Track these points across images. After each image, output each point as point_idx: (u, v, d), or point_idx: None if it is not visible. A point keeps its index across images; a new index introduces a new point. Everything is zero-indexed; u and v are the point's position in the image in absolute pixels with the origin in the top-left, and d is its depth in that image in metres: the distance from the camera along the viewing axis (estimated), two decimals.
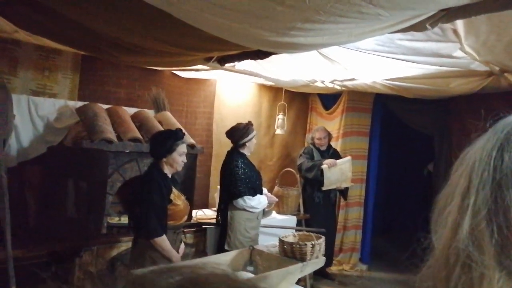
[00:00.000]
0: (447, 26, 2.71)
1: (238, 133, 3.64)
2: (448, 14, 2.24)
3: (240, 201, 3.49)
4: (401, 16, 2.13)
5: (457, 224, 0.52)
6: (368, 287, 4.99)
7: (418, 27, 2.40)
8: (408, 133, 6.56)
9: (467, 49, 3.00)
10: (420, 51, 3.15)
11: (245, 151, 3.68)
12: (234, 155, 3.62)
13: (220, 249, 3.48)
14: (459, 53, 3.14)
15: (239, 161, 3.57)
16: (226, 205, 3.59)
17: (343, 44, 2.68)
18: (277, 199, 4.05)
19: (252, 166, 3.74)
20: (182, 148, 2.83)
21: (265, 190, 3.90)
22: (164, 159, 2.78)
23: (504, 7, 2.06)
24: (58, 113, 3.63)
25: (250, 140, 3.67)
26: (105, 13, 2.31)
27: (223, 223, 3.58)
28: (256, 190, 3.61)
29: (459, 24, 2.66)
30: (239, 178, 3.49)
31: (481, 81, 3.76)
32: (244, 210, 3.52)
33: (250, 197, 3.52)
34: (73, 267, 3.09)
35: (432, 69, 3.57)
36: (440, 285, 0.56)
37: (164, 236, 2.67)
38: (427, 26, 2.37)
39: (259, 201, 3.58)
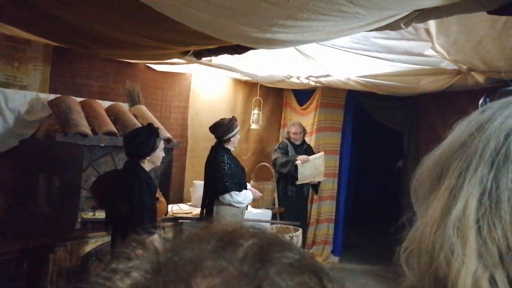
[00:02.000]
0: (420, 25, 2.81)
1: (222, 128, 3.63)
2: (421, 14, 2.33)
3: (227, 197, 3.50)
4: (378, 15, 2.19)
5: (447, 210, 0.54)
6: None
7: (393, 26, 2.48)
8: (379, 129, 6.74)
9: (438, 48, 3.12)
10: (394, 49, 3.26)
11: (230, 146, 3.68)
12: (219, 151, 3.62)
13: None
14: (430, 52, 3.26)
15: (225, 157, 3.57)
16: (211, 201, 3.59)
17: (321, 41, 2.73)
18: (261, 194, 4.09)
19: (236, 161, 3.75)
20: (162, 144, 2.86)
21: (249, 185, 3.93)
22: (148, 158, 2.77)
23: (474, 9, 2.16)
24: (29, 105, 3.52)
25: (234, 135, 3.67)
26: (81, 4, 2.27)
27: (208, 218, 3.57)
28: (241, 185, 3.62)
29: (431, 24, 2.77)
30: (225, 174, 3.49)
31: (450, 79, 3.92)
32: (230, 205, 3.52)
33: (237, 192, 3.53)
34: (47, 263, 3.03)
35: (404, 66, 3.69)
36: (423, 269, 0.57)
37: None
38: (402, 25, 2.45)
39: (245, 196, 3.61)
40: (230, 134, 3.64)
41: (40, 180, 3.26)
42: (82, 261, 3.21)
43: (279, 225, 3.01)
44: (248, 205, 4.37)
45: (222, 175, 3.49)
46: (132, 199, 2.69)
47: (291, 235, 2.65)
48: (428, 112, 5.60)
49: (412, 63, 3.54)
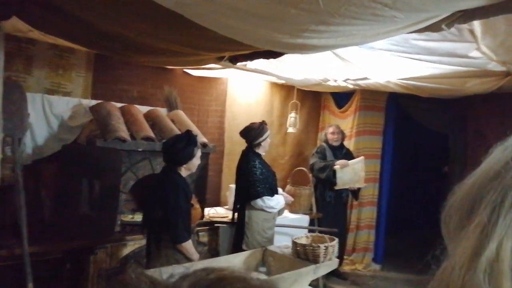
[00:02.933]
0: (464, 26, 2.66)
1: (253, 133, 3.62)
2: (465, 15, 2.20)
3: (259, 202, 3.47)
4: (416, 18, 2.09)
5: (477, 251, 0.48)
6: (380, 287, 4.96)
7: (434, 27, 2.36)
8: (422, 132, 6.48)
9: (484, 49, 2.94)
10: (435, 51, 3.10)
11: (260, 150, 3.66)
12: (250, 156, 3.60)
13: (236, 248, 3.46)
14: (475, 53, 3.08)
15: (256, 161, 3.55)
16: (242, 205, 3.58)
17: (357, 45, 2.65)
18: (293, 199, 4.05)
19: (267, 166, 3.72)
20: (199, 152, 2.91)
21: (280, 190, 3.89)
22: (185, 165, 2.83)
23: None
24: (72, 111, 3.67)
25: (265, 139, 3.65)
26: (119, 16, 2.32)
27: (240, 223, 3.57)
28: (273, 190, 3.59)
29: (476, 24, 2.61)
30: (257, 179, 3.47)
31: (498, 81, 3.69)
32: (262, 210, 3.50)
33: (269, 197, 3.50)
34: (88, 265, 3.13)
35: (447, 68, 3.51)
36: None
37: (190, 240, 2.76)
38: (443, 26, 2.33)
39: (277, 201, 3.57)
40: (261, 139, 3.61)
41: (82, 184, 3.39)
42: (121, 263, 3.30)
43: (314, 234, 2.95)
44: (285, 210, 4.34)
45: (254, 180, 3.47)
46: (168, 205, 2.73)
47: (326, 245, 2.58)
48: (475, 115, 5.32)
49: (456, 65, 3.36)
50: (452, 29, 2.64)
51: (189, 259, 2.75)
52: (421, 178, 7.36)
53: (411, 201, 7.24)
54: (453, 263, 0.52)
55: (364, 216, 5.54)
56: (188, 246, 2.76)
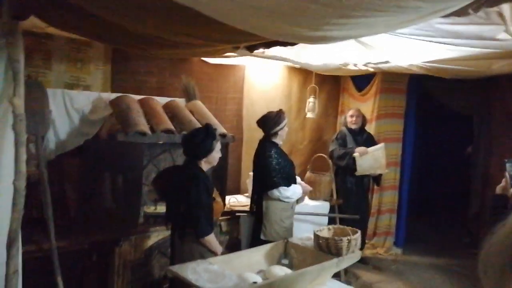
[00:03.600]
0: (492, 9, 2.54)
1: (269, 122, 3.58)
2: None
3: (275, 192, 3.46)
4: (441, 6, 2.00)
5: None
6: (403, 271, 4.94)
7: (460, 12, 2.26)
8: (445, 114, 6.33)
9: None
10: (461, 34, 2.98)
11: (277, 140, 3.62)
12: (266, 145, 3.57)
13: (255, 239, 3.49)
14: (503, 36, 2.95)
15: (272, 151, 3.52)
16: (260, 195, 3.57)
17: (379, 33, 2.56)
18: (311, 188, 4.02)
19: (285, 155, 3.69)
20: (219, 146, 2.91)
21: (298, 179, 3.86)
22: (204, 159, 2.83)
23: None
24: (92, 105, 3.70)
25: (282, 128, 3.61)
26: (135, 13, 2.29)
27: (257, 213, 3.59)
28: (290, 180, 3.57)
29: (505, 6, 2.49)
30: (273, 169, 3.44)
31: None
32: (279, 200, 3.50)
33: (285, 187, 3.48)
34: (113, 257, 3.20)
35: (473, 51, 3.38)
36: None
37: (212, 234, 2.80)
38: (470, 11, 2.23)
39: (294, 192, 3.56)
40: (278, 128, 3.56)
41: (105, 177, 3.44)
42: (145, 255, 3.36)
43: (336, 226, 2.93)
44: (304, 198, 4.33)
45: (270, 170, 3.44)
46: (189, 199, 2.75)
47: (349, 238, 2.56)
48: (502, 95, 5.15)
49: (483, 47, 3.23)
50: (479, 12, 2.54)
51: (213, 252, 2.78)
52: (443, 161, 7.23)
53: (433, 184, 7.14)
54: None
55: (385, 200, 5.49)
56: (211, 239, 2.78)
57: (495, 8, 2.56)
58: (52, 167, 3.35)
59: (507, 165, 2.81)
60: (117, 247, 3.21)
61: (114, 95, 3.78)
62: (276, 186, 3.44)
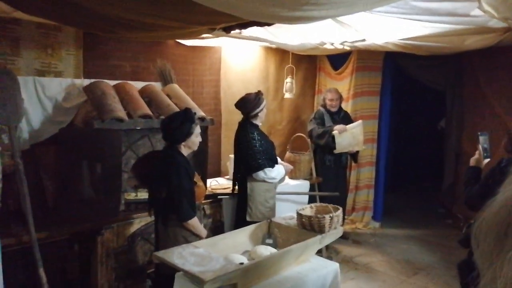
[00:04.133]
0: None
1: (249, 104, 3.57)
2: None
3: (261, 174, 3.48)
4: None
5: None
6: (381, 244, 5.10)
7: None
8: (419, 90, 6.45)
9: (486, 7, 2.86)
10: (436, 11, 3.02)
11: (257, 121, 3.63)
12: (248, 127, 3.57)
13: (240, 220, 3.52)
14: (476, 12, 3.00)
15: (255, 133, 3.53)
16: (243, 177, 3.59)
17: (357, 12, 2.56)
18: (292, 167, 4.07)
19: (265, 136, 3.72)
20: (198, 129, 2.88)
21: (279, 159, 3.89)
22: (183, 143, 2.80)
23: None
24: (65, 92, 3.58)
25: (261, 110, 3.62)
26: None
27: (242, 195, 3.60)
28: (273, 161, 3.60)
29: None
30: (257, 151, 3.46)
31: (498, 37, 3.63)
32: (264, 181, 3.52)
33: (270, 168, 3.51)
34: (95, 245, 3.17)
35: (447, 27, 3.44)
36: None
37: (196, 218, 2.80)
38: None
39: (278, 172, 3.60)
40: (258, 109, 3.58)
41: (83, 166, 3.37)
42: (128, 242, 3.34)
43: (318, 204, 2.98)
44: (285, 178, 4.37)
45: (254, 152, 3.45)
46: (170, 184, 2.73)
47: (331, 215, 2.61)
48: (473, 69, 5.27)
49: (456, 24, 3.29)
50: None
51: (197, 236, 2.79)
52: (417, 135, 7.41)
53: (408, 158, 7.33)
54: (496, 285, 0.52)
55: (363, 176, 5.62)
56: (195, 223, 2.79)
57: None
58: (27, 157, 3.25)
59: (480, 137, 2.90)
60: (99, 235, 3.18)
61: (87, 81, 3.67)
62: (261, 167, 3.46)
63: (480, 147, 2.86)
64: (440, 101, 5.96)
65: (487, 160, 2.85)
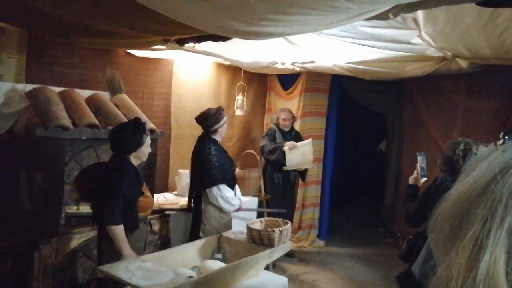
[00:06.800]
0: (408, 14, 2.78)
1: (210, 119, 3.53)
2: (410, 5, 2.30)
3: (214, 190, 3.38)
4: (368, 8, 2.15)
5: (473, 262, 0.52)
6: (327, 262, 5.20)
7: (382, 16, 2.44)
8: (363, 113, 6.76)
9: (425, 36, 3.10)
10: (381, 37, 3.22)
11: (217, 137, 3.59)
12: (206, 142, 3.51)
13: (193, 236, 3.40)
14: (416, 40, 3.24)
15: (212, 148, 3.47)
16: (198, 193, 3.50)
17: (310, 32, 2.67)
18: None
19: (224, 152, 3.66)
20: (149, 140, 2.81)
21: (238, 190, 3.77)
22: (134, 153, 2.72)
23: (463, 0, 2.14)
24: (5, 97, 3.37)
25: (222, 126, 3.58)
26: None
27: (196, 211, 3.51)
28: (229, 179, 3.51)
29: (419, 13, 2.74)
30: (213, 166, 3.39)
31: (435, 65, 3.92)
32: (219, 209, 3.42)
33: (226, 186, 3.42)
34: (32, 261, 2.96)
35: (390, 53, 3.67)
36: None
37: (121, 226, 2.62)
38: (390, 15, 2.42)
39: (233, 197, 3.49)
40: (218, 125, 3.55)
41: (21, 175, 3.16)
42: (68, 258, 3.15)
43: (268, 218, 3.00)
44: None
45: (209, 167, 3.39)
46: (108, 186, 2.63)
47: (280, 229, 2.64)
48: (412, 95, 5.64)
49: (399, 51, 3.53)
50: (398, 17, 2.76)
51: (118, 249, 2.58)
52: (360, 157, 7.74)
53: (352, 178, 7.61)
54: (448, 273, 0.55)
55: (309, 194, 5.73)
56: (119, 232, 2.60)
57: (411, 14, 2.81)
58: None
59: (418, 157, 3.10)
60: (36, 251, 2.97)
61: (30, 87, 3.49)
62: (215, 183, 3.37)
63: (418, 166, 3.05)
64: (381, 123, 6.29)
65: (424, 179, 3.04)
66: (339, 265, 5.13)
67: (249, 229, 2.73)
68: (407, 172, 5.13)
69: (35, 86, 3.49)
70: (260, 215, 4.59)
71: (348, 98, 6.01)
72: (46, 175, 3.12)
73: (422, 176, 3.02)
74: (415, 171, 3.06)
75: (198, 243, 2.83)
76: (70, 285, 3.14)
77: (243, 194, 4.62)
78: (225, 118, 3.64)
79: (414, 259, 2.48)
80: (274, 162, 4.79)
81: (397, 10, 2.38)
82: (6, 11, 2.51)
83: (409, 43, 3.29)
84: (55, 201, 3.11)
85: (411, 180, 3.06)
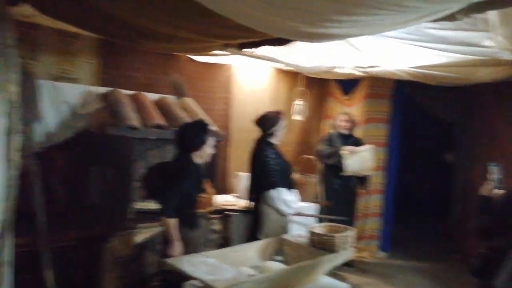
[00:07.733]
0: (478, 15, 2.65)
1: (268, 121, 3.54)
2: (481, 5, 2.20)
3: (272, 192, 3.37)
4: (439, 8, 2.08)
5: None
6: (387, 275, 5.00)
7: (449, 17, 2.36)
8: (428, 120, 6.48)
9: (499, 38, 2.93)
10: (448, 39, 3.09)
11: (275, 140, 3.58)
12: (262, 145, 3.52)
13: (252, 238, 3.41)
14: (488, 42, 3.07)
15: (268, 151, 3.47)
16: (257, 195, 3.51)
17: (375, 34, 2.64)
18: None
19: (281, 155, 3.62)
20: (211, 141, 2.89)
21: (297, 195, 3.69)
22: (197, 152, 2.82)
23: None
24: (81, 98, 3.64)
25: (280, 128, 3.57)
26: (131, 2, 2.30)
27: (255, 212, 3.52)
28: (287, 183, 3.48)
29: (491, 13, 2.60)
30: (271, 169, 3.38)
31: (510, 70, 3.68)
32: (277, 211, 3.40)
33: (284, 189, 3.40)
34: (102, 253, 3.15)
35: (458, 57, 3.50)
36: None
37: (173, 221, 2.71)
38: (458, 16, 2.32)
39: (291, 202, 3.45)
40: (275, 128, 3.53)
41: (94, 171, 3.39)
42: (136, 250, 3.32)
43: (329, 224, 2.96)
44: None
45: (268, 170, 3.38)
46: (171, 183, 2.74)
47: (343, 235, 2.60)
48: (483, 103, 5.29)
49: (469, 54, 3.35)
50: (467, 19, 2.64)
51: (169, 241, 2.69)
52: (425, 167, 7.39)
53: (417, 189, 7.29)
54: None
55: (371, 204, 5.56)
56: (172, 224, 2.69)
57: (481, 15, 2.67)
58: (38, 159, 3.28)
59: (493, 168, 2.92)
60: (106, 243, 3.16)
61: (103, 89, 3.74)
62: (274, 186, 3.36)
63: (492, 177, 2.87)
64: (445, 132, 5.98)
65: (499, 191, 2.85)
66: (402, 279, 4.91)
67: (311, 233, 2.71)
68: (478, 186, 4.75)
69: (107, 88, 3.74)
70: (320, 221, 4.54)
71: (413, 105, 5.80)
72: (116, 171, 3.32)
73: (498, 188, 2.84)
74: (488, 182, 2.89)
75: (259, 244, 2.86)
76: (136, 277, 3.30)
77: (302, 200, 4.61)
78: (284, 122, 3.64)
79: (489, 274, 2.34)
80: (332, 167, 4.71)
81: (466, 11, 2.28)
82: (80, 17, 2.72)
83: (479, 45, 3.12)
84: (124, 196, 3.29)
85: (483, 191, 2.89)
